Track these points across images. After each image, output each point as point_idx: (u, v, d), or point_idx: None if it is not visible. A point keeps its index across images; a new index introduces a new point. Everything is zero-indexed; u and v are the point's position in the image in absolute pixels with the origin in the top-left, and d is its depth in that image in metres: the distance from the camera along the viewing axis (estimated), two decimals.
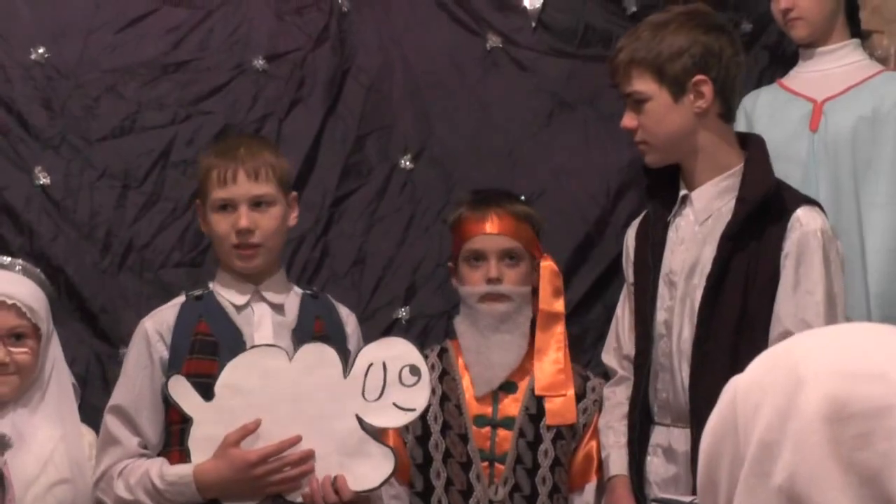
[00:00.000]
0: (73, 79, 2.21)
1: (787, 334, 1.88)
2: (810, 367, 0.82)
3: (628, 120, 2.07)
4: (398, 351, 1.93)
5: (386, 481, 1.93)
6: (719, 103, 2.04)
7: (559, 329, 2.20)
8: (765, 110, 2.41)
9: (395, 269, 2.35)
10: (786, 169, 2.27)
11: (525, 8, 2.41)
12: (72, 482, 2.03)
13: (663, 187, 2.16)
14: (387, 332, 2.28)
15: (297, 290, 2.06)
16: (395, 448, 2.01)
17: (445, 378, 2.17)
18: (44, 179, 2.18)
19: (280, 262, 2.04)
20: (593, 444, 2.21)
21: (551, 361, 2.20)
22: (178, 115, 2.21)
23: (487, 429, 2.17)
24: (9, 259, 2.06)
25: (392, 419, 1.89)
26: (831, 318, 2.01)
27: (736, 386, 0.87)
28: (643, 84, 2.02)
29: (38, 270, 2.09)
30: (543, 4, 2.41)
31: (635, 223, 2.23)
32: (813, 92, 2.42)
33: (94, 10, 2.23)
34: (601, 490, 2.18)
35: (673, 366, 2.09)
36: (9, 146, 2.18)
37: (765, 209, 2.04)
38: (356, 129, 2.31)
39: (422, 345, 2.17)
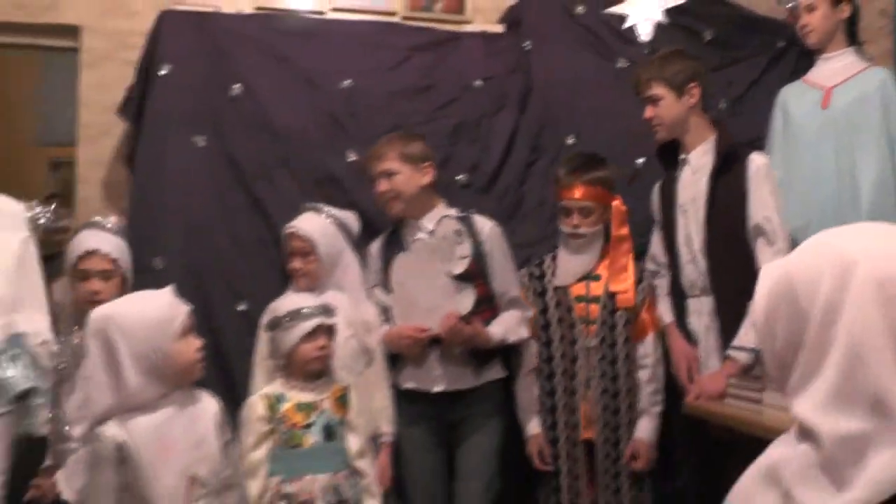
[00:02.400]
0: (365, 99, 3.25)
1: (757, 227, 2.77)
2: (857, 250, 0.99)
3: (649, 112, 2.92)
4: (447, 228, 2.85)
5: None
6: (701, 99, 2.91)
7: (626, 245, 3.00)
8: (791, 98, 3.21)
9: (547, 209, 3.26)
10: (805, 135, 3.11)
11: (642, 41, 3.33)
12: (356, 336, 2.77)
13: (670, 156, 3.01)
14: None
15: (451, 215, 2.91)
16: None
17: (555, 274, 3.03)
18: (352, 158, 3.22)
19: (430, 201, 2.92)
20: (647, 313, 3.02)
21: (620, 267, 2.99)
22: (430, 118, 3.23)
23: (584, 304, 3.01)
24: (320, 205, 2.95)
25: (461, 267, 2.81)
26: (778, 211, 2.77)
27: (786, 269, 1.06)
28: (658, 90, 2.90)
29: (349, 213, 2.98)
30: (653, 38, 3.31)
31: (656, 185, 3.07)
32: (824, 81, 3.15)
33: (374, 56, 3.28)
34: (657, 339, 3.00)
35: (695, 259, 2.89)
36: (328, 139, 3.22)
37: (732, 157, 2.83)
38: (538, 121, 3.30)
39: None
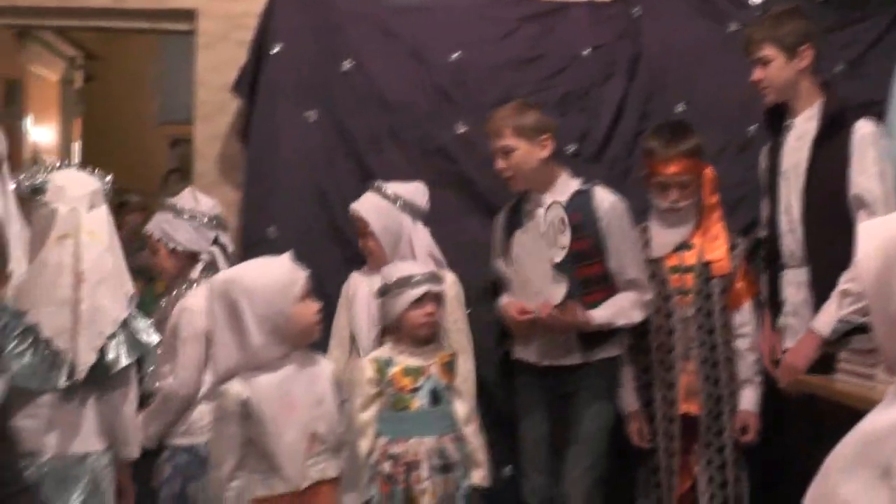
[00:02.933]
0: (473, 70, 3.29)
1: (857, 197, 2.64)
2: None
3: (758, 74, 2.78)
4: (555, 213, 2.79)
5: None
6: (813, 62, 2.77)
7: (717, 213, 2.92)
8: None
9: None
10: None
11: (755, 2, 3.27)
12: None
13: (778, 120, 2.87)
14: None
15: (574, 187, 2.84)
16: None
17: (649, 245, 2.95)
18: (461, 130, 3.27)
19: (551, 172, 2.85)
20: (743, 280, 2.93)
21: (713, 235, 2.92)
22: (538, 88, 3.23)
23: (678, 274, 2.94)
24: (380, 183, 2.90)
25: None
26: (882, 182, 2.63)
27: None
28: (768, 52, 2.76)
29: (413, 186, 2.91)
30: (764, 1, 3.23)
31: (763, 150, 2.94)
32: None
33: (482, 28, 3.31)
34: (754, 307, 2.90)
35: (794, 229, 2.77)
36: (437, 112, 3.27)
37: (837, 123, 2.69)
38: (646, 89, 3.26)
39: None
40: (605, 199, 2.87)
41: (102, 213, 2.39)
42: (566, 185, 2.90)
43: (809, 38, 2.80)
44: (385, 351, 2.78)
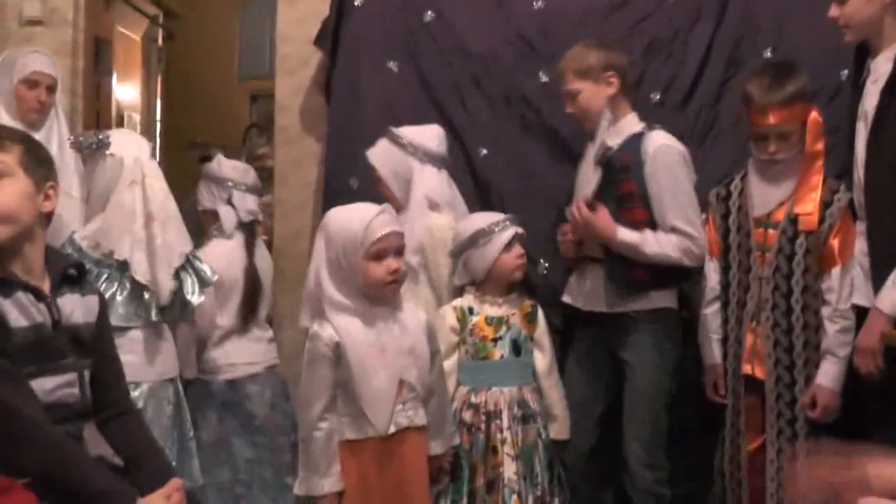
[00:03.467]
0: (558, 19, 3.25)
1: None
2: None
3: (834, 10, 2.58)
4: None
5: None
6: None
7: (818, 163, 2.66)
8: None
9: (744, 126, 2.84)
10: None
11: None
12: None
13: (862, 63, 2.67)
14: None
15: (633, 129, 2.73)
16: None
17: (742, 196, 2.77)
18: (545, 79, 3.21)
19: (619, 110, 2.76)
20: (836, 240, 2.64)
21: (810, 187, 2.65)
22: (623, 36, 3.16)
23: (762, 229, 2.72)
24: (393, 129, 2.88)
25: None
26: None
27: None
28: None
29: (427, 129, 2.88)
30: None
31: (848, 94, 2.78)
32: None
33: None
34: (847, 272, 2.61)
35: (859, 174, 2.58)
36: (520, 61, 3.24)
37: None
38: (734, 34, 3.15)
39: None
40: (654, 141, 2.73)
41: (156, 165, 2.66)
42: (628, 126, 2.81)
43: None
44: (467, 299, 2.78)
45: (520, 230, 2.78)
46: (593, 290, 2.82)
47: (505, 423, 2.66)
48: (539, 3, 3.29)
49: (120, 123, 6.04)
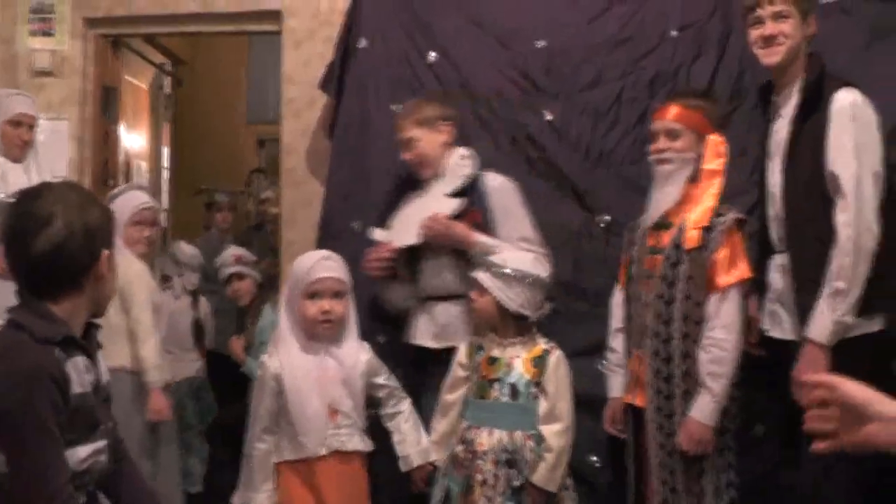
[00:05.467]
0: (563, 56, 3.25)
1: (831, 176, 2.41)
2: None
3: (772, 27, 2.54)
4: None
5: None
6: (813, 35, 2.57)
7: (714, 183, 2.60)
8: None
9: (749, 158, 2.91)
10: None
11: None
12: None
13: (767, 98, 2.71)
14: None
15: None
16: None
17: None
18: (549, 117, 3.23)
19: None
20: (716, 265, 2.54)
21: (702, 207, 2.59)
22: (625, 71, 3.19)
23: (650, 256, 2.67)
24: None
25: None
26: (858, 159, 2.40)
27: None
28: (787, 7, 2.54)
29: None
30: None
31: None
32: None
33: (569, 13, 3.27)
34: (726, 299, 2.52)
35: (777, 211, 2.59)
36: (526, 98, 3.26)
37: (817, 96, 2.48)
38: (738, 66, 3.15)
39: None
40: (494, 179, 2.93)
41: None
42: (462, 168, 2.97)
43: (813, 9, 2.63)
44: (485, 338, 2.77)
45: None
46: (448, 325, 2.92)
47: (486, 465, 2.62)
48: (542, 42, 3.30)
49: (127, 171, 6.08)
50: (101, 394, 1.80)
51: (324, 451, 2.56)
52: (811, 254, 2.46)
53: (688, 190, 2.63)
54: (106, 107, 4.33)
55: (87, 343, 1.79)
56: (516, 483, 2.60)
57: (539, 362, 2.68)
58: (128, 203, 3.25)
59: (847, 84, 2.51)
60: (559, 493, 2.66)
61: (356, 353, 2.66)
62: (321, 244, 3.30)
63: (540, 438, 2.63)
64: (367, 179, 3.33)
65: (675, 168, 2.64)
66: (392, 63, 3.39)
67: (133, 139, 6.37)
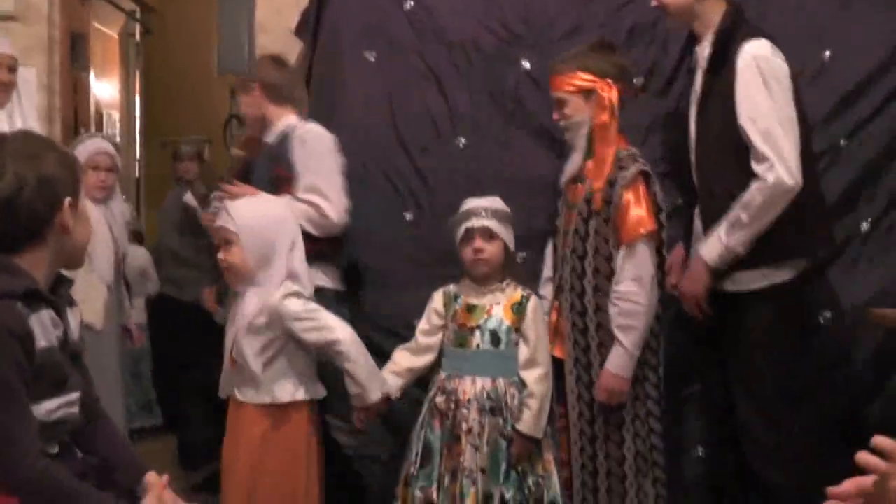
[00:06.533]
0: (541, 5, 3.19)
1: (742, 128, 2.45)
2: None
3: None
4: None
5: None
6: None
7: (606, 136, 2.65)
8: None
9: None
10: None
11: None
12: None
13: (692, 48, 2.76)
14: None
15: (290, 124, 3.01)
16: None
17: None
18: (526, 66, 3.18)
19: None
20: (621, 219, 2.60)
21: (599, 162, 2.66)
22: (603, 22, 3.12)
23: (567, 210, 2.76)
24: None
25: None
26: (766, 108, 2.44)
27: None
28: None
29: None
30: None
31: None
32: None
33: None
34: (635, 250, 2.59)
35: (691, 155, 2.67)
36: (503, 47, 3.20)
37: (727, 47, 2.52)
38: None
39: None
40: (308, 130, 2.97)
41: None
42: (283, 124, 3.06)
43: None
44: (459, 285, 2.78)
45: (481, 224, 2.69)
46: None
47: (472, 415, 2.62)
48: None
49: (99, 121, 5.98)
50: (68, 349, 1.76)
51: (224, 396, 2.59)
52: (721, 205, 2.52)
53: (595, 146, 2.69)
54: (75, 55, 4.24)
55: (55, 297, 1.74)
56: (507, 431, 2.62)
57: (519, 308, 2.70)
58: (85, 149, 3.34)
59: (757, 34, 2.52)
60: (543, 440, 2.68)
61: (256, 304, 2.48)
62: None
63: (522, 385, 2.64)
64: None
65: (571, 134, 2.73)
66: (367, 10, 3.33)
67: (104, 88, 6.27)
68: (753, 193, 2.47)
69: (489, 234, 2.69)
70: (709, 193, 2.62)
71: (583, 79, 2.68)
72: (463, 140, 3.23)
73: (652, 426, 2.70)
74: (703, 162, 2.63)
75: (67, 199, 1.73)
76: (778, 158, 2.44)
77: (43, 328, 1.67)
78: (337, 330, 2.49)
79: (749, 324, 2.56)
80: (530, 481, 2.64)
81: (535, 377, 2.64)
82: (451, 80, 3.23)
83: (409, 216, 3.24)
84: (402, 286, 3.14)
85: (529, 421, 2.61)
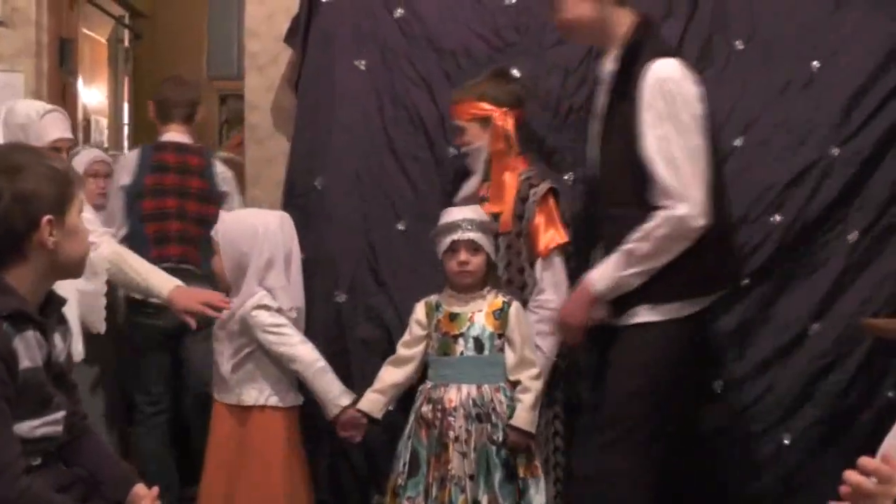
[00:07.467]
0: (532, 12, 3.17)
1: (645, 156, 2.30)
2: None
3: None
4: None
5: None
6: None
7: (506, 162, 2.77)
8: None
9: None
10: None
11: None
12: None
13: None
14: None
15: None
16: None
17: None
18: (517, 74, 3.12)
19: None
20: (535, 233, 2.73)
21: (499, 186, 2.77)
22: None
23: None
24: None
25: None
26: (667, 147, 2.28)
27: None
28: None
29: None
30: None
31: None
32: None
33: None
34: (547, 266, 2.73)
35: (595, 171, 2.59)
36: (494, 55, 3.17)
37: (632, 64, 2.35)
38: (707, 29, 3.11)
39: None
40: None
41: None
42: None
43: None
44: (441, 295, 2.78)
45: (467, 237, 2.68)
46: None
47: (458, 421, 2.62)
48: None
49: (87, 126, 5.95)
50: (53, 369, 1.75)
51: (217, 400, 2.79)
52: (619, 222, 2.40)
53: (493, 171, 2.81)
54: (63, 60, 4.21)
55: (43, 318, 1.72)
56: (496, 437, 2.62)
57: (500, 314, 2.70)
58: (82, 160, 3.56)
59: (667, 53, 2.35)
60: (537, 437, 2.69)
61: (232, 310, 2.71)
62: (286, 202, 3.27)
63: (511, 388, 2.66)
64: (329, 136, 3.27)
65: (471, 159, 2.86)
66: (358, 17, 3.31)
67: (92, 94, 6.24)
68: (657, 225, 2.31)
69: (474, 247, 2.70)
70: (610, 217, 2.48)
71: (480, 108, 2.82)
72: (453, 150, 3.18)
73: (557, 412, 2.83)
74: (606, 181, 2.48)
75: (46, 217, 1.69)
76: (684, 195, 2.29)
77: (27, 348, 1.66)
78: (297, 347, 2.68)
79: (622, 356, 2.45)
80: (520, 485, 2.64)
81: (531, 375, 2.67)
82: (443, 88, 3.22)
83: (400, 226, 3.22)
84: (396, 293, 3.14)
85: (524, 415, 2.62)
